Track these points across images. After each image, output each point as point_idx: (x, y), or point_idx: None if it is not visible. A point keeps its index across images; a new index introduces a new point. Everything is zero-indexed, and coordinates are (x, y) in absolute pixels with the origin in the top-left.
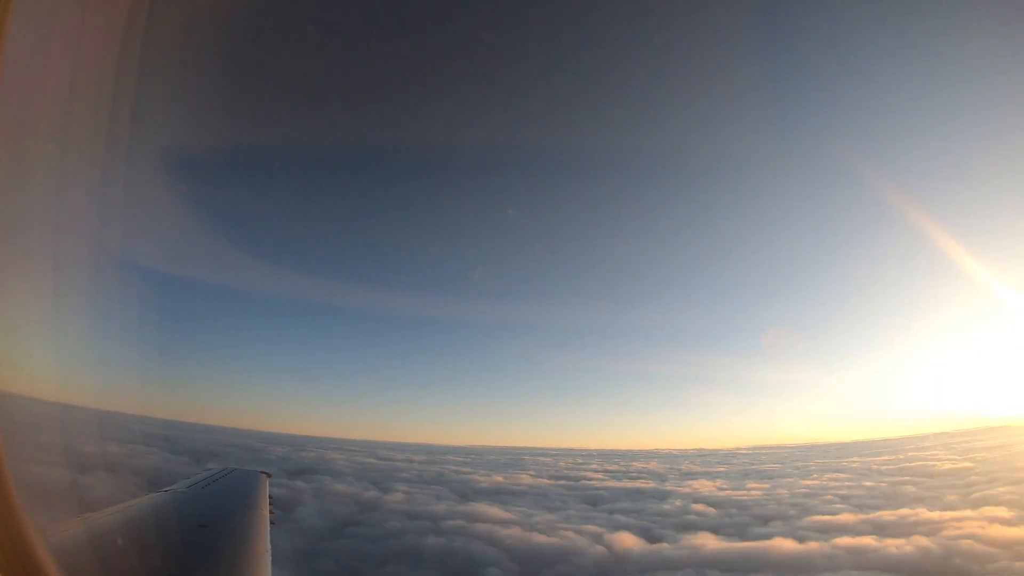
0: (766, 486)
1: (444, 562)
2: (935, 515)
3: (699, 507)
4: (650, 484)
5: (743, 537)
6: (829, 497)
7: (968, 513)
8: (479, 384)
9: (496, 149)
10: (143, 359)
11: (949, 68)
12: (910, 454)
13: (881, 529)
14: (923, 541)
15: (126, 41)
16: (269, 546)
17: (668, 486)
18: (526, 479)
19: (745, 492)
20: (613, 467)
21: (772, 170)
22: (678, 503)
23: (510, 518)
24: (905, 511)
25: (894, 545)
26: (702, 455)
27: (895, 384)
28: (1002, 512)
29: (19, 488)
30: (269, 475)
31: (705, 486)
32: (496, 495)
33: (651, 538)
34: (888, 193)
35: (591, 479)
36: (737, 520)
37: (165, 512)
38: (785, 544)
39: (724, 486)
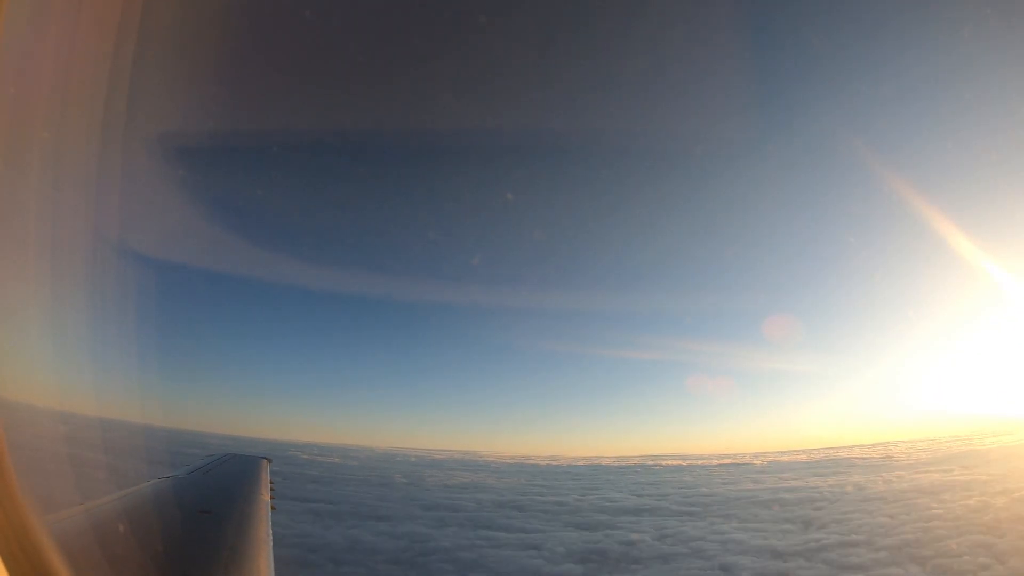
0: None
1: None
2: None
3: None
4: None
5: None
6: None
7: None
8: (489, 381)
9: (498, 138)
10: (144, 355)
11: (965, 56)
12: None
13: None
14: None
15: (123, 28)
16: (270, 531)
17: None
18: None
19: None
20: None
21: (778, 160)
22: None
23: None
24: None
25: None
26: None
27: (895, 385)
28: None
29: (20, 478)
30: (269, 460)
31: None
32: None
33: None
34: (895, 183)
35: None
36: None
37: (166, 498)
38: None
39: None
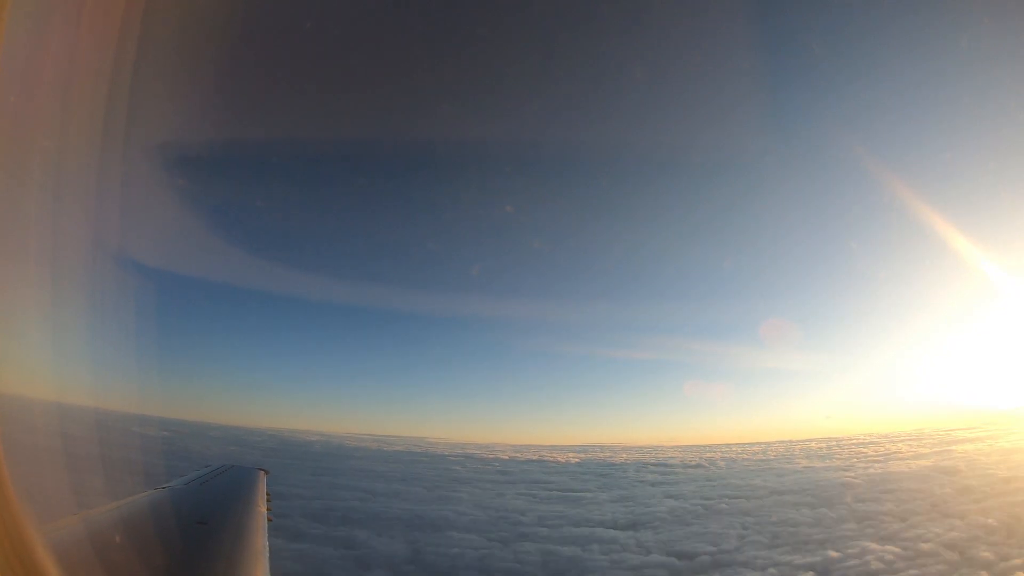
0: None
1: None
2: None
3: None
4: None
5: None
6: None
7: None
8: (485, 381)
9: (496, 145)
10: (142, 357)
11: (958, 56)
12: None
13: None
14: None
15: (124, 36)
16: (267, 543)
17: None
18: None
19: None
20: None
21: (774, 163)
22: None
23: None
24: None
25: None
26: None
27: (887, 379)
28: None
29: (17, 487)
30: (267, 472)
31: None
32: None
33: None
34: (890, 183)
35: None
36: None
37: (163, 509)
38: None
39: None
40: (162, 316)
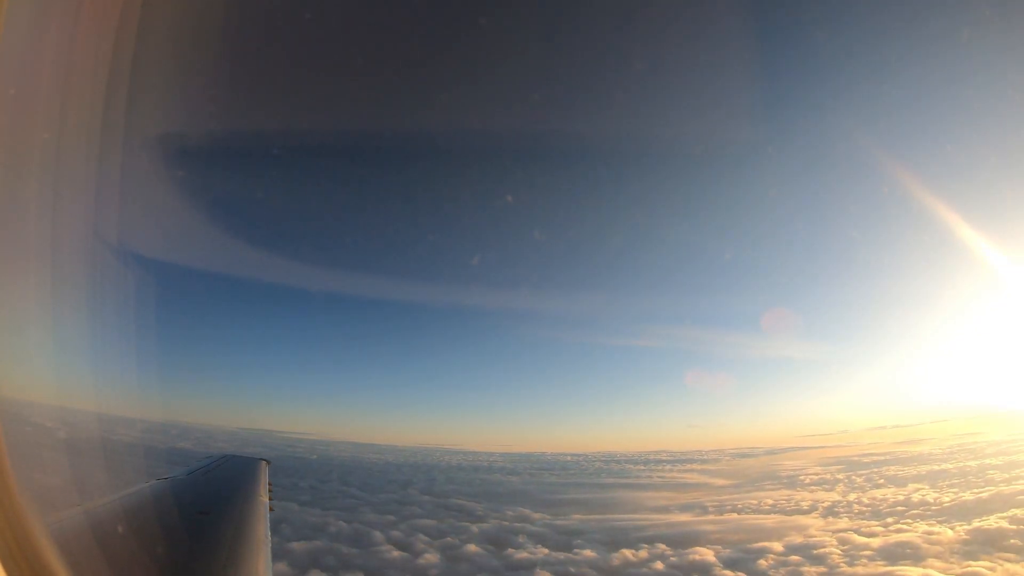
0: None
1: None
2: None
3: None
4: None
5: None
6: None
7: None
8: (487, 379)
9: (499, 138)
10: (145, 354)
11: (970, 49)
12: None
13: None
14: None
15: (123, 27)
16: (269, 532)
17: None
18: None
19: None
20: None
21: (781, 157)
22: None
23: None
24: None
25: None
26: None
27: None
28: None
29: (19, 481)
30: (268, 462)
31: None
32: None
33: None
34: (898, 178)
35: None
36: None
37: (165, 499)
38: None
39: None
40: (164, 311)
